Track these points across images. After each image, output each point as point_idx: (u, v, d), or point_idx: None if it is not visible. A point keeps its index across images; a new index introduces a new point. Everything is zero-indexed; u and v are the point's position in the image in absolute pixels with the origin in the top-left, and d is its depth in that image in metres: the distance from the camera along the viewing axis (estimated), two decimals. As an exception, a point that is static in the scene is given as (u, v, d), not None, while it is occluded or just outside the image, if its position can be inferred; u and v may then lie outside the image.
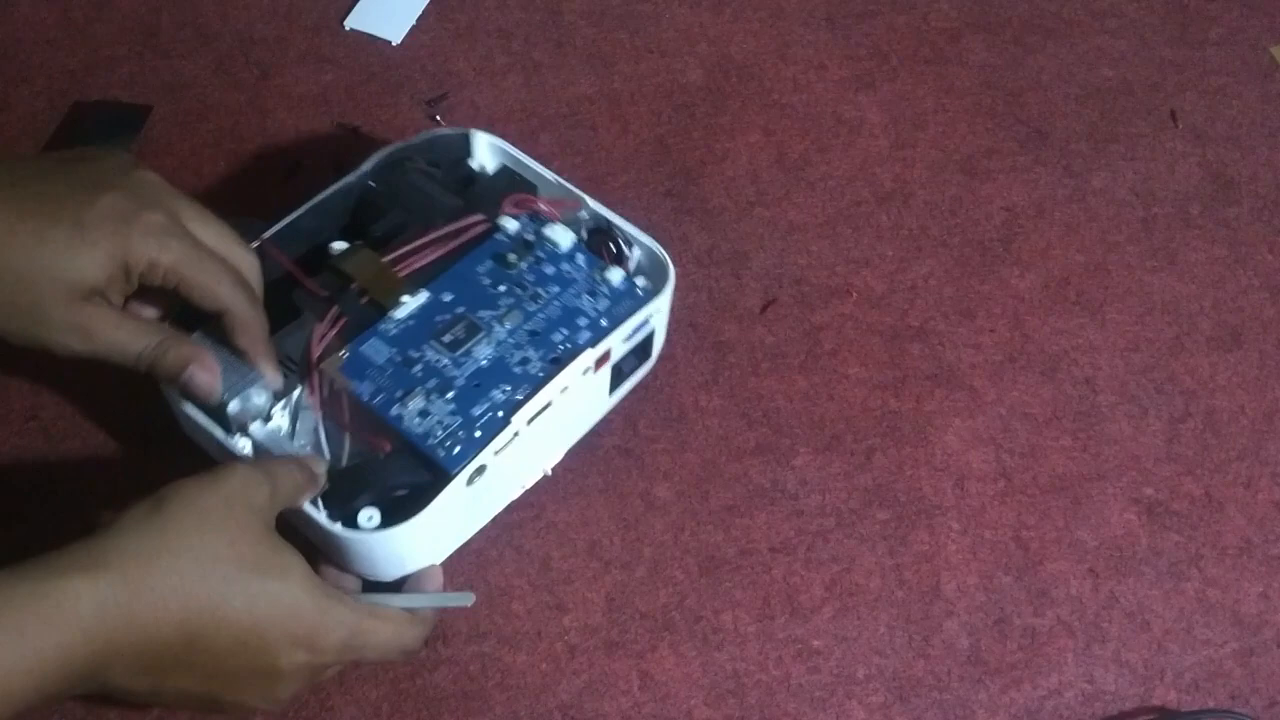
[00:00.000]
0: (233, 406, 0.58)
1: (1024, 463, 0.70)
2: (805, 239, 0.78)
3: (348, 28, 0.87)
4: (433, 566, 0.59)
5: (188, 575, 0.47)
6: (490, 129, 0.69)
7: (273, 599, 0.49)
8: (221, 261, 0.57)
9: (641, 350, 0.65)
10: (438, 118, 0.82)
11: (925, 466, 0.69)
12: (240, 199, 0.77)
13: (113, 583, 0.46)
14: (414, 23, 0.87)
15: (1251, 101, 0.87)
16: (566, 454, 0.65)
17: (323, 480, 0.56)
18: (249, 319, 0.57)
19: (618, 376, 0.64)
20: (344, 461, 0.60)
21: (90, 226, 0.53)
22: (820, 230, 0.78)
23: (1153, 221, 0.80)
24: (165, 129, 0.80)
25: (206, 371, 0.56)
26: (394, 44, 0.86)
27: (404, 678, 0.61)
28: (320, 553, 0.58)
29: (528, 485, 0.63)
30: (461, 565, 0.64)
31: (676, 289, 0.64)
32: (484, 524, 0.62)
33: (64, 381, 0.69)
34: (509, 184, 0.67)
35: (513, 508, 0.65)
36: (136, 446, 0.67)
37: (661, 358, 0.69)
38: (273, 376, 0.58)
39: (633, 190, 0.79)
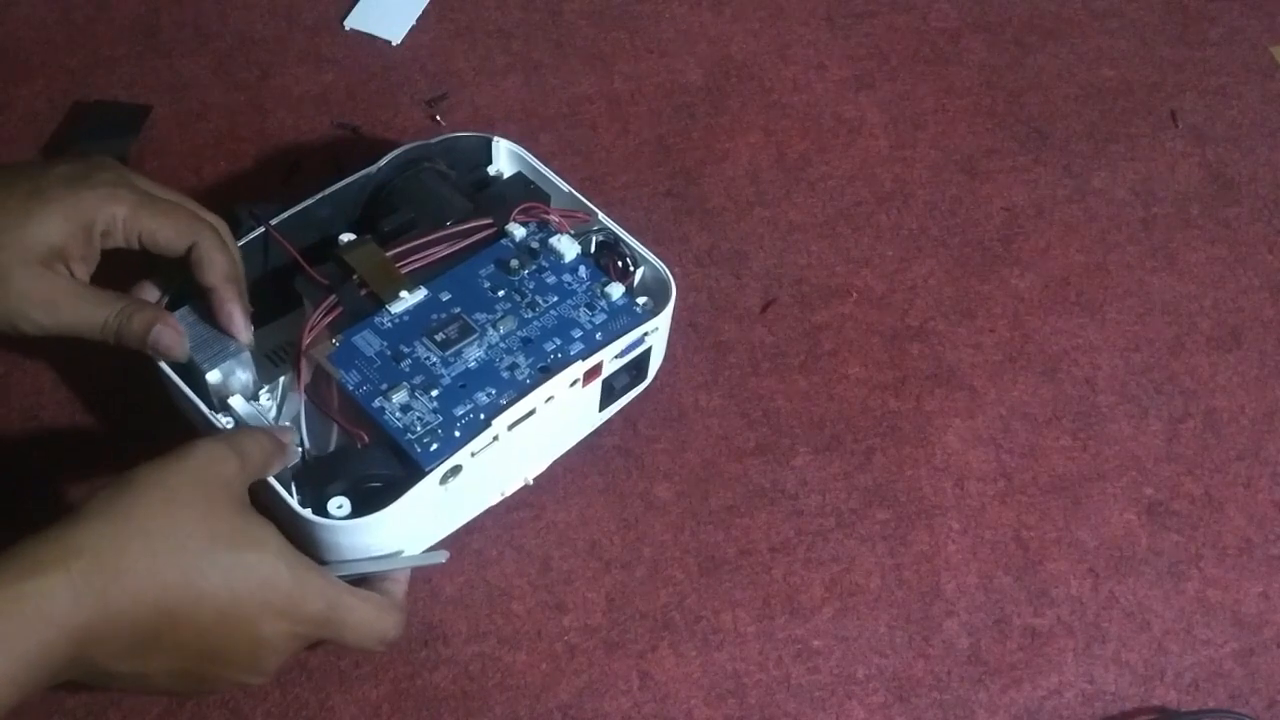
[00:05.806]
0: (213, 377, 0.58)
1: (1024, 463, 0.70)
2: (805, 239, 0.78)
3: (348, 28, 0.87)
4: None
5: (160, 555, 0.47)
6: (490, 129, 0.69)
7: (248, 570, 0.49)
8: (176, 204, 0.58)
9: (636, 370, 0.65)
10: (438, 118, 0.82)
11: (925, 466, 0.69)
12: (239, 199, 0.77)
13: (85, 571, 0.45)
14: (414, 23, 0.87)
15: (1251, 101, 0.87)
16: (566, 455, 0.65)
17: (294, 451, 0.56)
18: (214, 255, 0.58)
19: (609, 393, 0.64)
20: (330, 448, 0.60)
21: (45, 189, 0.56)
22: (820, 230, 0.79)
23: (1153, 221, 0.80)
24: (165, 129, 0.81)
25: (170, 329, 0.58)
26: (394, 44, 0.86)
27: (404, 678, 0.61)
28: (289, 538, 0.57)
29: (507, 493, 0.63)
30: (461, 565, 0.64)
31: (676, 289, 0.64)
32: (457, 526, 0.62)
33: (65, 381, 0.69)
34: (523, 191, 0.67)
35: (513, 507, 0.65)
36: (138, 445, 0.67)
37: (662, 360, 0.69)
38: (241, 322, 0.59)
39: (633, 190, 0.79)
